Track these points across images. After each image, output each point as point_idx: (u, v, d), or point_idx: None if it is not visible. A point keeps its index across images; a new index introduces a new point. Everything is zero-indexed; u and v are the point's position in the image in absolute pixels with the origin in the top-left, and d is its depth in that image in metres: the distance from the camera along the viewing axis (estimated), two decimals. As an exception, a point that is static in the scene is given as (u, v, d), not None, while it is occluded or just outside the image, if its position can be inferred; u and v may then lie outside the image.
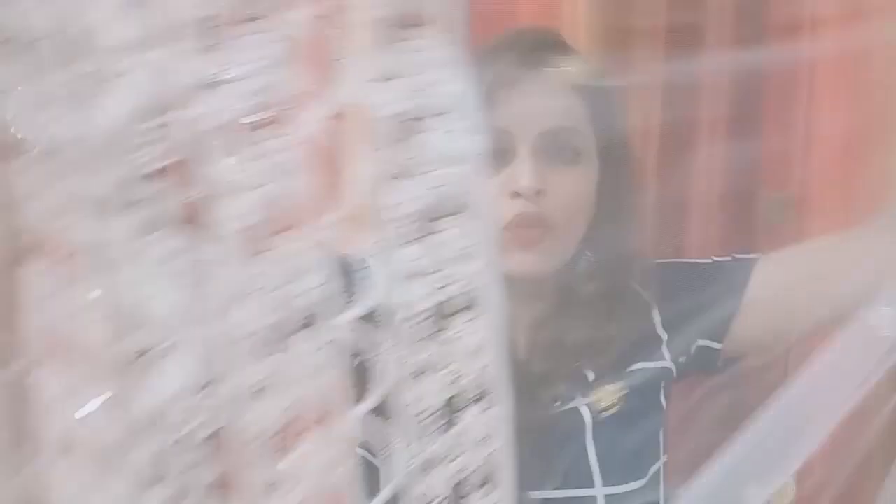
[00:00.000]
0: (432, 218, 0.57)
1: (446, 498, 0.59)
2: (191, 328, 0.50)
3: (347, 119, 0.54)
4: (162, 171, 0.49)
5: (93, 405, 0.51)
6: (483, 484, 0.59)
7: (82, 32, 0.48)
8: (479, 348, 0.59)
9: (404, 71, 0.54)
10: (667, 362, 1.03)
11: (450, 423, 0.59)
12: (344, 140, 0.54)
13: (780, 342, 1.11)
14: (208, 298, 0.51)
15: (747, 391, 1.23)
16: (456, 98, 0.56)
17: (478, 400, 0.59)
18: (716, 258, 1.09)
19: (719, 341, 1.04)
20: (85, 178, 0.49)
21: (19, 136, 0.50)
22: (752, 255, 1.06)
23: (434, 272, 0.57)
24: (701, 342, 1.04)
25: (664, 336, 1.04)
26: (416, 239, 0.56)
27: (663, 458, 1.04)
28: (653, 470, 1.02)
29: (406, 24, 0.54)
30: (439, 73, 0.55)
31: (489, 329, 0.59)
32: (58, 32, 0.48)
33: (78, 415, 0.51)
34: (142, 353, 0.50)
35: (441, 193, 0.56)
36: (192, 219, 0.51)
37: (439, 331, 0.58)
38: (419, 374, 0.57)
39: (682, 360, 1.04)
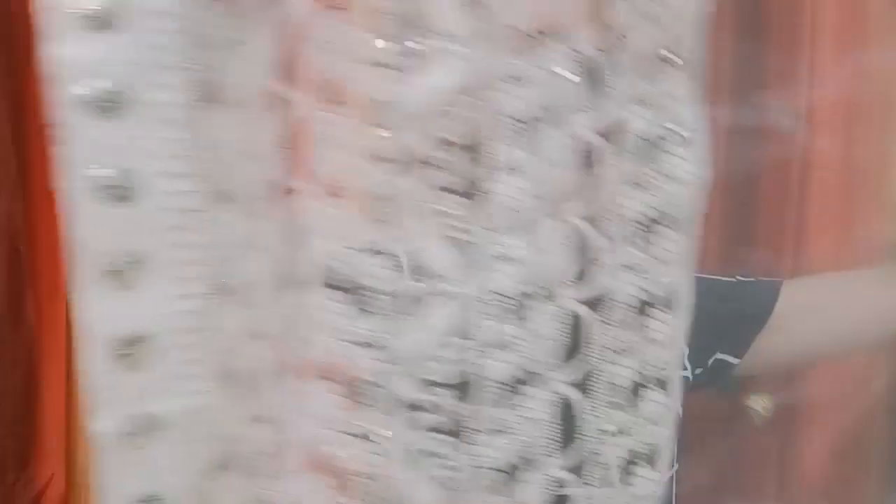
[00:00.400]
0: (652, 225, 0.68)
1: (619, 467, 0.69)
2: (455, 284, 0.58)
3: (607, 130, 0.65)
4: (457, 143, 0.59)
5: (357, 336, 0.59)
6: (648, 462, 0.70)
7: (418, 14, 0.57)
8: (668, 343, 0.69)
9: (657, 100, 0.66)
10: (687, 372, 1.09)
11: (633, 403, 0.69)
12: (601, 149, 0.65)
13: (796, 365, 1.20)
14: (475, 260, 0.59)
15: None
16: (692, 130, 0.67)
17: (658, 387, 0.67)
18: (740, 277, 1.16)
19: (737, 357, 1.11)
20: (389, 135, 0.56)
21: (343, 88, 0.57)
22: (776, 279, 1.14)
23: (646, 271, 0.67)
24: (719, 355, 1.11)
25: (685, 348, 1.08)
26: (637, 240, 0.67)
27: (675, 466, 1.10)
28: (668, 476, 1.08)
29: (664, 61, 0.66)
30: (682, 107, 0.66)
31: (679, 328, 0.70)
32: (395, 9, 0.57)
33: (340, 345, 0.59)
34: (411, 298, 0.58)
35: (664, 206, 0.67)
36: (473, 189, 0.61)
37: (640, 321, 0.69)
38: (618, 354, 0.67)
39: (698, 371, 1.11)
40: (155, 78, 0.49)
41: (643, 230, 0.68)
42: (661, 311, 0.70)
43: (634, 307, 0.69)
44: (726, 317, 1.11)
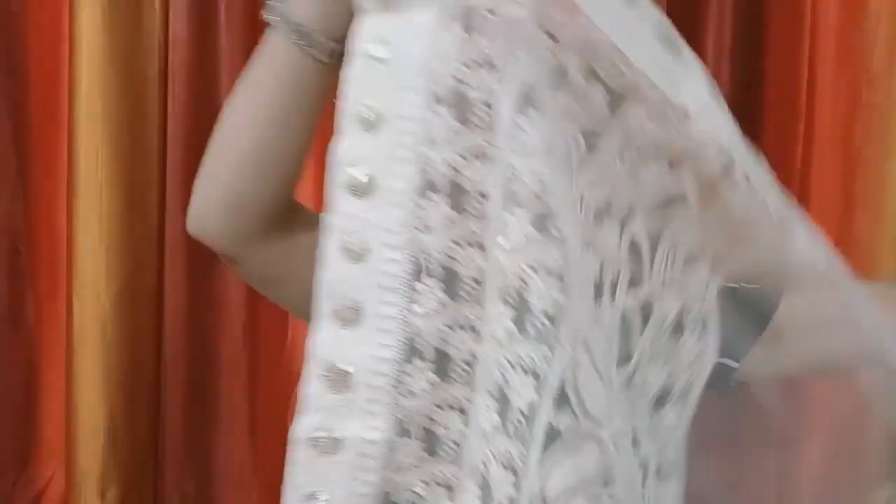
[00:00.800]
0: (667, 400, 0.75)
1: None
2: (603, 426, 0.61)
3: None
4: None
5: (503, 457, 0.62)
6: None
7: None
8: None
9: (684, 287, 0.76)
10: None
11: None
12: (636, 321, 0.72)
13: (796, 375, 1.20)
14: (633, 398, 0.64)
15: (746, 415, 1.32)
16: (708, 314, 0.80)
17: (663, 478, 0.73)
18: (744, 284, 1.16)
19: (736, 360, 1.11)
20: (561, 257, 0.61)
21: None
22: (778, 288, 1.13)
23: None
24: (719, 359, 1.11)
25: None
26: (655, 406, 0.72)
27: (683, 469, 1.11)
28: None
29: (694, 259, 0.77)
30: (704, 295, 0.79)
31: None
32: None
33: (485, 456, 0.62)
34: (556, 433, 0.60)
35: (680, 382, 0.76)
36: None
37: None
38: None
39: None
40: (394, 169, 0.62)
41: (662, 400, 0.73)
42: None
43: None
44: (727, 322, 1.11)
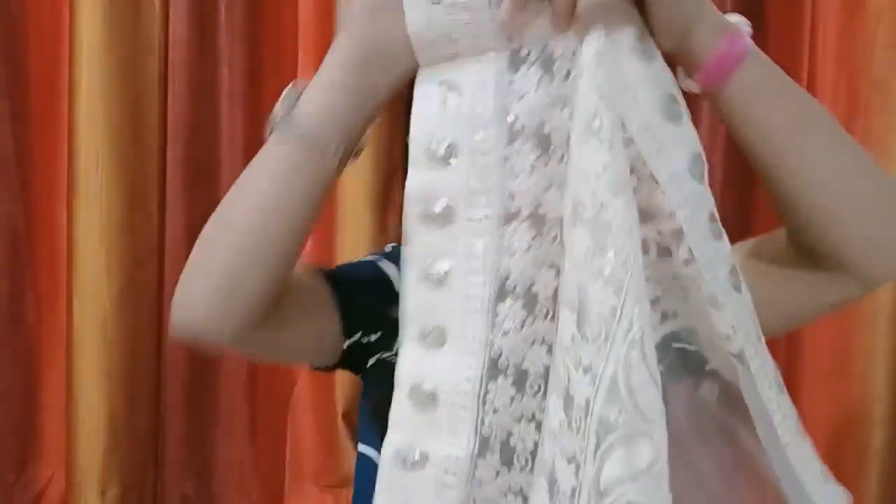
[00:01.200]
0: None
1: None
2: (659, 423, 0.62)
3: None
4: None
5: (565, 452, 0.63)
6: None
7: None
8: None
9: None
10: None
11: None
12: None
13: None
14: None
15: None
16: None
17: None
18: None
19: (691, 343, 1.07)
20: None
21: None
22: None
23: None
24: (676, 345, 1.08)
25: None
26: None
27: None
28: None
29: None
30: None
31: None
32: None
33: (550, 453, 0.64)
34: (610, 425, 0.61)
35: None
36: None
37: None
38: None
39: (660, 368, 1.08)
40: (471, 199, 0.65)
41: None
42: None
43: None
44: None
